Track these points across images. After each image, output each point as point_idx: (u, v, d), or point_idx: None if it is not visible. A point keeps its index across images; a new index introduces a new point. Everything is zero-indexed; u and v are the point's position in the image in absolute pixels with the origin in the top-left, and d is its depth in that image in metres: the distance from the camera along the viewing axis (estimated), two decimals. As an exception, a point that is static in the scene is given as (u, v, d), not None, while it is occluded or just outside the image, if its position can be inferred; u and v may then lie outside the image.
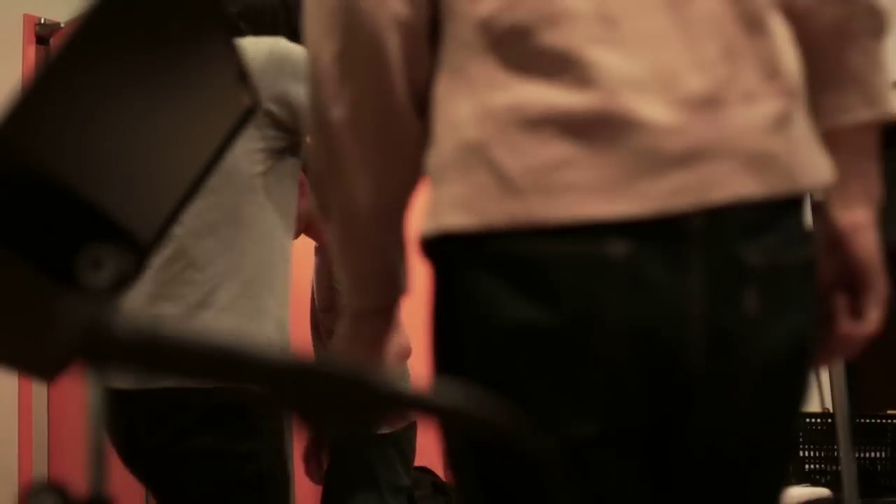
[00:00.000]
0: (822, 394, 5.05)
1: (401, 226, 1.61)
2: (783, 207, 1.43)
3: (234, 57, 1.35)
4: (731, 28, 1.44)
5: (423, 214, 1.50)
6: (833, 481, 4.46)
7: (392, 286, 1.64)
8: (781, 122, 1.44)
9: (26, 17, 4.82)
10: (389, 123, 1.53)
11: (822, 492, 4.34)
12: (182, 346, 0.72)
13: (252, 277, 2.59)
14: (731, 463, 1.49)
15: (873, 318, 1.58)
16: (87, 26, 1.06)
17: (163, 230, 1.35)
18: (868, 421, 4.60)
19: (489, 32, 1.44)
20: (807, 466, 4.68)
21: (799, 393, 1.52)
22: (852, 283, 1.60)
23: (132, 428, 2.60)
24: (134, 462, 2.71)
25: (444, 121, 1.47)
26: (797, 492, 4.35)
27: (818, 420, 4.72)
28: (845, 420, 2.66)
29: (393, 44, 1.47)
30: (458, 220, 1.40)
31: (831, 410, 2.70)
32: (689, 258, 1.35)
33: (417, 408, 0.79)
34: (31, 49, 4.84)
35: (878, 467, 4.52)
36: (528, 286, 1.36)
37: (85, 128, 1.14)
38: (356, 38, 1.49)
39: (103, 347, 0.72)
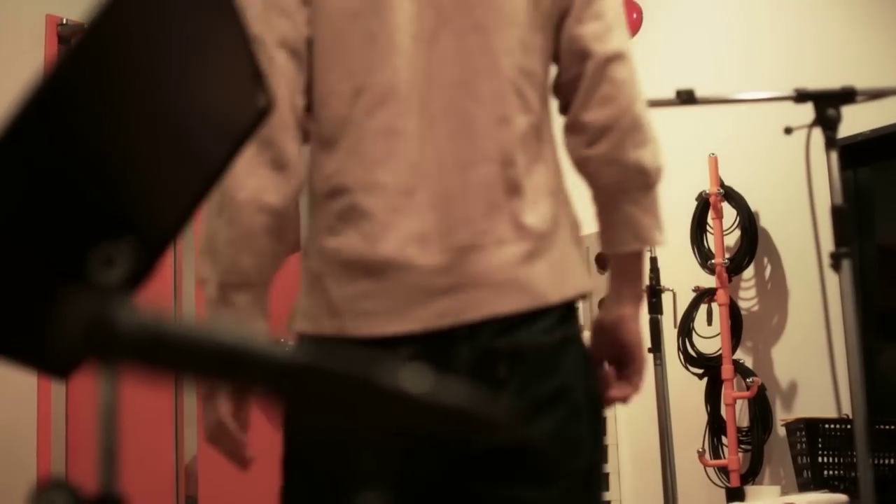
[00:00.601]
0: (839, 400, 5.02)
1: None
2: (532, 314, 2.03)
3: (249, 56, 1.35)
4: (495, 193, 2.04)
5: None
6: (851, 487, 4.44)
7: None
8: (527, 260, 2.04)
9: (48, 18, 4.84)
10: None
11: (840, 498, 4.32)
12: (186, 342, 0.73)
13: None
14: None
15: (636, 383, 2.26)
16: (99, 24, 1.07)
17: (176, 230, 1.36)
18: (887, 427, 4.58)
19: (325, 189, 2.06)
20: (825, 472, 4.66)
21: (564, 420, 2.08)
22: (620, 358, 2.27)
23: None
24: None
25: (304, 253, 2.11)
26: (815, 498, 4.34)
27: (837, 426, 4.70)
28: (863, 426, 2.64)
29: (262, 221, 2.04)
30: (304, 326, 2.07)
31: (850, 416, 2.69)
32: (458, 352, 1.98)
33: (420, 406, 0.79)
34: (54, 49, 4.85)
35: (897, 474, 4.50)
36: None
37: (98, 126, 1.14)
38: (231, 216, 2.04)
39: (106, 343, 0.72)
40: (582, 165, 2.20)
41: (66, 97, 1.09)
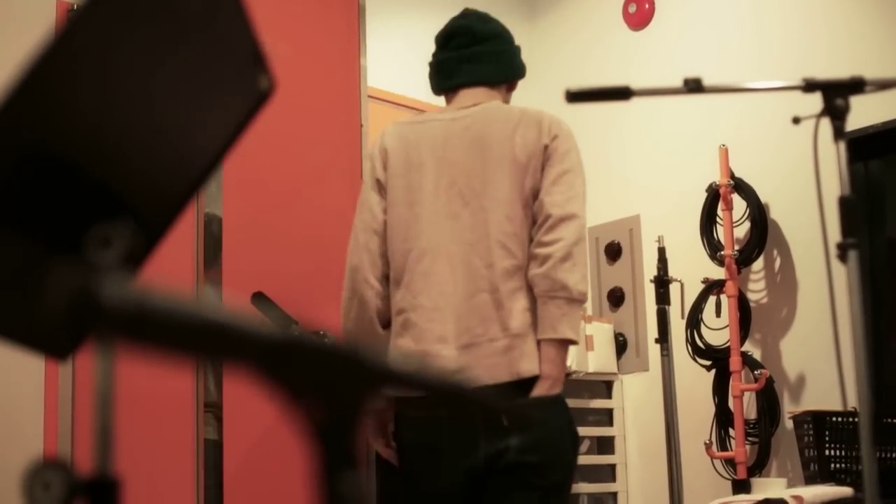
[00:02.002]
0: (846, 393, 5.01)
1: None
2: (511, 384, 3.40)
3: (251, 38, 1.35)
4: (487, 309, 3.46)
5: None
6: (857, 481, 4.43)
7: None
8: (507, 350, 3.43)
9: (59, 3, 4.84)
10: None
11: (845, 491, 4.31)
12: (171, 317, 0.72)
13: None
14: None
15: None
16: (99, 2, 1.06)
17: (175, 212, 1.35)
18: (894, 421, 4.57)
19: (394, 311, 3.62)
20: (832, 465, 4.65)
21: (545, 447, 3.54)
22: None
23: None
24: None
25: (389, 350, 3.51)
26: (821, 490, 4.33)
27: (843, 419, 4.69)
28: (868, 419, 2.63)
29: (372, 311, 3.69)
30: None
31: (857, 410, 2.68)
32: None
33: (406, 383, 0.79)
34: (64, 34, 4.84)
35: (904, 468, 4.49)
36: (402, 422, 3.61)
37: (96, 106, 1.14)
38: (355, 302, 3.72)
39: (90, 315, 0.72)
40: (531, 280, 3.46)
41: (65, 74, 1.08)
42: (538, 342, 3.43)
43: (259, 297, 3.96)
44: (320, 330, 3.89)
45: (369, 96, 4.95)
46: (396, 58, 6.27)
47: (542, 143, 3.62)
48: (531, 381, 3.41)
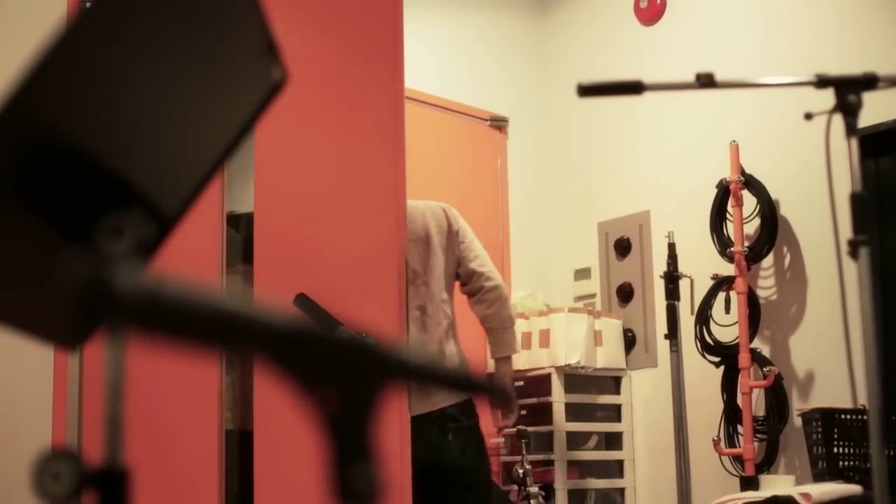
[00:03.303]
0: (856, 390, 4.99)
1: None
2: (460, 403, 4.79)
3: (263, 29, 1.34)
4: (439, 355, 4.87)
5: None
6: (866, 478, 4.42)
7: None
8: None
9: (71, -6, 4.84)
10: None
11: (854, 488, 4.30)
12: (183, 306, 0.72)
13: None
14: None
15: (511, 419, 5.21)
16: (111, -8, 1.06)
17: (187, 202, 1.35)
18: (903, 419, 4.56)
19: None
20: (841, 463, 4.64)
21: (473, 454, 4.95)
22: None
23: None
24: None
25: None
26: (829, 488, 4.32)
27: (852, 417, 4.68)
28: (878, 417, 2.63)
29: None
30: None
31: (867, 407, 2.67)
32: (434, 421, 4.71)
33: (417, 375, 0.79)
34: (75, 25, 4.83)
35: (913, 466, 4.47)
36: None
37: (108, 96, 1.14)
38: None
39: (102, 304, 0.72)
40: (481, 318, 4.97)
41: (77, 64, 1.08)
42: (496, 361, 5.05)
43: (302, 299, 3.94)
44: (364, 332, 3.90)
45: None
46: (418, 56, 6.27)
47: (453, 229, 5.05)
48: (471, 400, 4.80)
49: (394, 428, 3.85)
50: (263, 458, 4.19)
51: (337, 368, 0.78)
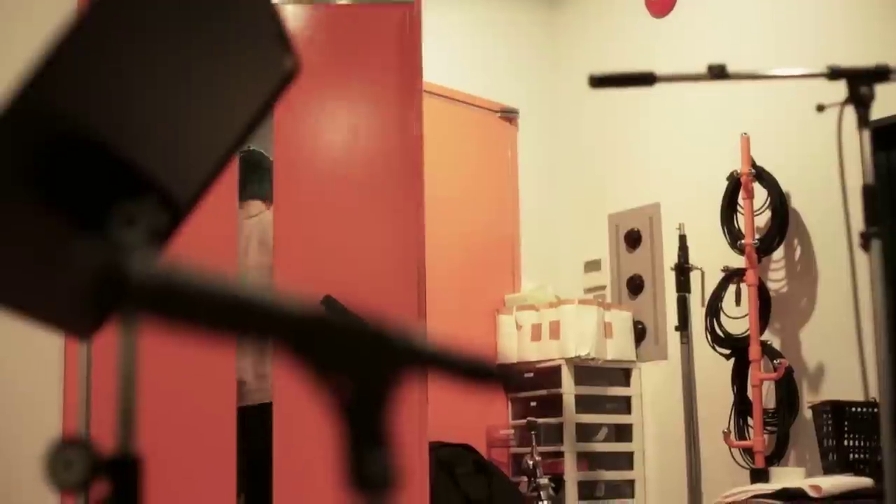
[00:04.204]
0: (867, 383, 4.99)
1: None
2: None
3: (274, 17, 1.34)
4: None
5: None
6: (877, 471, 4.41)
7: None
8: None
9: (82, -16, 4.84)
10: None
11: (865, 481, 4.30)
12: (197, 292, 0.72)
13: None
14: None
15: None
16: (125, -19, 1.06)
17: (200, 190, 1.35)
18: (914, 412, 4.54)
19: None
20: (851, 455, 4.63)
21: None
22: None
23: None
24: None
25: None
26: (839, 481, 4.32)
27: (864, 409, 4.67)
28: (889, 409, 2.62)
29: None
30: None
31: (877, 400, 2.67)
32: None
33: (433, 363, 0.79)
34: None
35: (924, 459, 4.46)
36: None
37: (121, 84, 1.14)
38: None
39: (117, 290, 0.72)
40: None
41: (90, 52, 1.08)
42: None
43: (329, 301, 3.94)
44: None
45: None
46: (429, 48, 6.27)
47: None
48: None
49: (411, 415, 3.85)
50: (282, 432, 4.24)
51: (351, 355, 0.78)
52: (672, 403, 5.78)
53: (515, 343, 6.12)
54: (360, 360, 0.78)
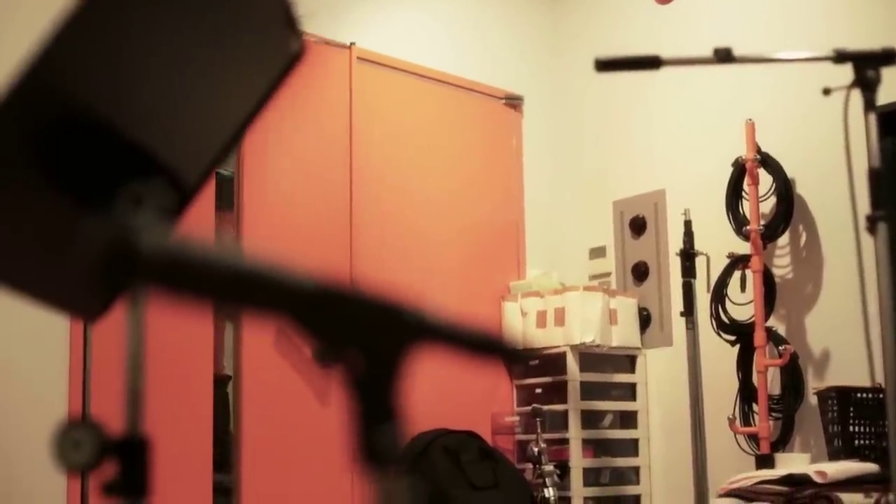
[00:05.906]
0: (873, 368, 4.99)
1: None
2: None
3: (282, 1, 1.34)
4: None
5: None
6: (882, 456, 4.41)
7: None
8: None
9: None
10: None
11: (870, 467, 4.29)
12: (207, 265, 0.72)
13: None
14: None
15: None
16: (132, -40, 1.05)
17: (208, 172, 1.35)
18: (920, 397, 4.54)
19: None
20: (856, 441, 4.63)
21: None
22: None
23: None
24: None
25: None
26: (845, 466, 4.31)
27: (869, 395, 4.67)
28: (895, 395, 2.62)
29: None
30: None
31: (883, 385, 2.67)
32: None
33: (442, 337, 0.79)
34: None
35: (929, 445, 4.46)
36: None
37: (129, 66, 1.14)
38: None
39: (127, 264, 0.71)
40: None
41: (98, 33, 1.08)
42: None
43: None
44: None
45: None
46: (433, 34, 6.26)
47: None
48: None
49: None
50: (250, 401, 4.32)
51: (361, 329, 0.78)
52: (677, 390, 5.78)
53: (521, 330, 6.12)
54: (370, 333, 0.78)
